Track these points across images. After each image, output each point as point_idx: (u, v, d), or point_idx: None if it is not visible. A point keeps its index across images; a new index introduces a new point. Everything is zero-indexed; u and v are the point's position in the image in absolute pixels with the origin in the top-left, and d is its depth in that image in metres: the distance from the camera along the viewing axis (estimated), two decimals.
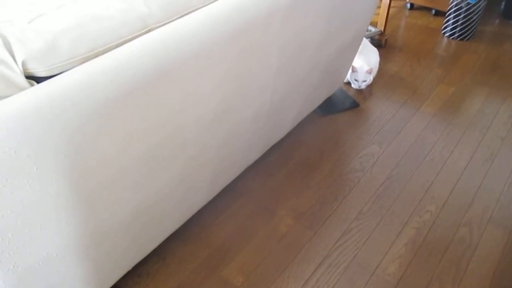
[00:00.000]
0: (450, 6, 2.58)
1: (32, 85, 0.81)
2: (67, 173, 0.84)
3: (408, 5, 3.00)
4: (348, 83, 2.23)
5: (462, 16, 2.54)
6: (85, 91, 0.80)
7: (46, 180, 0.81)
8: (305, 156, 1.82)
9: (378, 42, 2.56)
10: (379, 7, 2.58)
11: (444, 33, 2.69)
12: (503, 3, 2.94)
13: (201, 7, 1.06)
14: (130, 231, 1.14)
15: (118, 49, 0.90)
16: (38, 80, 0.83)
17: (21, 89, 0.79)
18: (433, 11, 2.92)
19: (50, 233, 0.90)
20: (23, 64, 0.81)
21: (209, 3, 1.08)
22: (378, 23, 2.53)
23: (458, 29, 2.61)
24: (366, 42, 2.27)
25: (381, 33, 2.53)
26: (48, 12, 0.91)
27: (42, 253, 0.91)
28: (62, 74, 0.82)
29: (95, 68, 0.84)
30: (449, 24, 2.63)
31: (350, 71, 2.14)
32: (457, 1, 2.52)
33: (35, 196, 0.82)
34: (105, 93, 0.84)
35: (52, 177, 0.82)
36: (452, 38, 2.66)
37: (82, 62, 0.86)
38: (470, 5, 2.49)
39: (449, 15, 2.61)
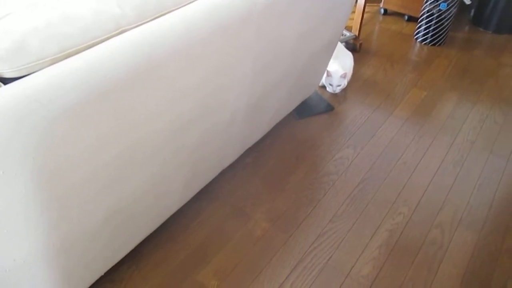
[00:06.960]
0: (422, 12, 2.64)
1: None
2: (36, 177, 0.81)
3: (382, 11, 3.05)
4: (323, 87, 2.25)
5: (433, 22, 2.60)
6: (54, 92, 0.78)
7: (13, 184, 0.79)
8: (280, 159, 1.82)
9: (353, 46, 2.60)
10: (353, 12, 2.61)
11: (417, 38, 2.74)
12: (473, 10, 3.02)
13: (175, 9, 1.06)
14: (102, 235, 1.12)
15: (89, 50, 0.88)
16: (6, 81, 0.80)
17: None
18: (406, 17, 2.98)
19: (17, 238, 0.87)
20: None
21: (183, 5, 1.07)
22: (353, 27, 2.57)
23: (430, 34, 2.67)
24: (341, 46, 2.29)
25: (356, 38, 2.57)
26: (17, 11, 0.89)
27: (9, 259, 0.89)
28: (30, 75, 0.80)
29: (65, 69, 0.82)
30: (421, 29, 2.69)
31: (325, 75, 2.16)
32: (429, 8, 2.58)
33: (1, 201, 0.80)
34: (75, 95, 0.82)
35: (19, 181, 0.79)
36: (425, 44, 2.72)
37: (51, 63, 0.84)
38: (441, 11, 2.55)
39: (421, 21, 2.67)
